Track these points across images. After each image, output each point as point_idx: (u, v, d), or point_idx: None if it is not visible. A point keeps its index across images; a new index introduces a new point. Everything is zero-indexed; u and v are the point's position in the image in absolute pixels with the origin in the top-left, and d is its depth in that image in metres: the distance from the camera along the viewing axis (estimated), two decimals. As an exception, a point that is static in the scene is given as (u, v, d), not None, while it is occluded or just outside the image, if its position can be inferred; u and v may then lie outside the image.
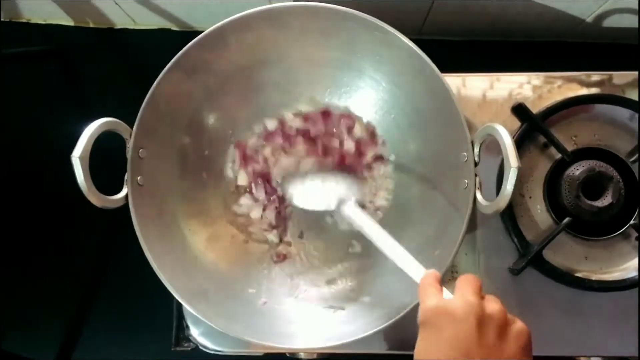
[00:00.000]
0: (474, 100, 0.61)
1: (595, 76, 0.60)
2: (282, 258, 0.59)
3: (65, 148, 0.45)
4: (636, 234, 0.58)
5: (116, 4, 0.80)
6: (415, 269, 0.44)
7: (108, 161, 0.48)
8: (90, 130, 0.45)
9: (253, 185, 0.60)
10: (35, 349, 0.93)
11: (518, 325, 0.36)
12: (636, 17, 0.73)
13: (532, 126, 0.58)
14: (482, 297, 0.37)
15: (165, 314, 0.61)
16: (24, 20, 0.94)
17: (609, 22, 0.76)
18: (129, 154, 0.49)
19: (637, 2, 0.69)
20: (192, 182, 0.57)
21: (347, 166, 0.59)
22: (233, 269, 0.57)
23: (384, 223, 0.58)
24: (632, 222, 0.57)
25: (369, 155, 0.59)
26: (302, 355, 0.58)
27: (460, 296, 0.36)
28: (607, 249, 0.58)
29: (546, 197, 0.59)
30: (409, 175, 0.58)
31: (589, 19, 0.76)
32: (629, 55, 0.83)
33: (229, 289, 0.55)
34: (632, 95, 0.59)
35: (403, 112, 0.57)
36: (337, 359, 0.59)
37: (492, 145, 0.48)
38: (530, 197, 0.59)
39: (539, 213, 0.59)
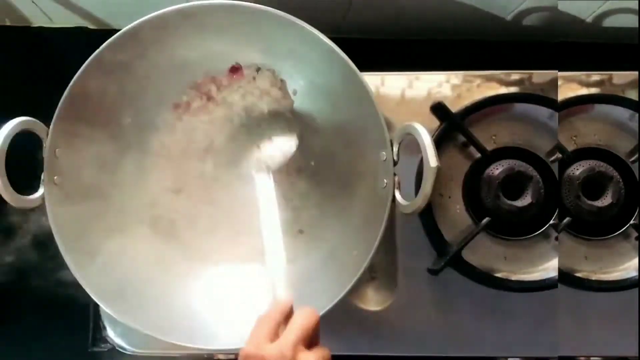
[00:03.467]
0: (392, 99, 0.59)
1: (595, 76, 0.60)
2: None
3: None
4: (636, 234, 0.58)
5: (33, 2, 0.78)
6: (279, 288, 0.44)
7: (29, 162, 0.48)
8: (6, 130, 0.45)
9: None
10: None
11: None
12: (636, 17, 0.73)
13: (452, 125, 0.57)
14: (312, 344, 0.37)
15: (82, 314, 0.60)
16: None
17: (609, 22, 0.76)
18: (45, 154, 0.49)
19: (637, 2, 0.69)
20: (112, 181, 0.56)
21: None
22: (152, 268, 0.55)
23: (301, 219, 0.57)
24: (632, 222, 0.57)
25: None
26: (220, 356, 0.57)
27: (279, 348, 0.35)
28: (607, 249, 0.58)
29: (466, 197, 0.58)
30: (326, 174, 0.57)
31: (589, 19, 0.75)
32: (629, 55, 0.83)
33: (149, 288, 0.53)
34: (632, 95, 0.59)
35: (322, 112, 0.56)
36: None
37: (411, 144, 0.46)
38: (449, 197, 0.59)
39: (458, 213, 0.58)
